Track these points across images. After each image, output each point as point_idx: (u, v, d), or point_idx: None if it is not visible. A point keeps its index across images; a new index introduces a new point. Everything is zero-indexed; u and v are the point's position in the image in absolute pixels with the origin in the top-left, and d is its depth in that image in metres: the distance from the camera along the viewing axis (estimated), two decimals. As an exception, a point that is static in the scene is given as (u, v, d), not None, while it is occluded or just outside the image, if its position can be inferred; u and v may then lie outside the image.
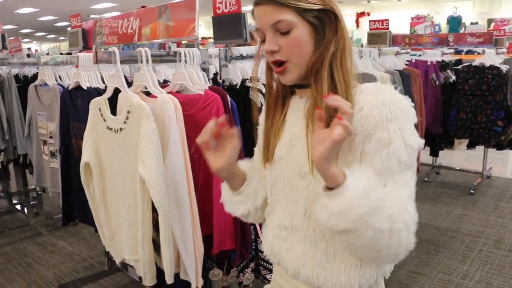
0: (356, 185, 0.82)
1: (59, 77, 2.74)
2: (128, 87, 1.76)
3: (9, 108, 3.22)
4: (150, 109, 1.61)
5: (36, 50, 18.43)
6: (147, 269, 1.75)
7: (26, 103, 2.86)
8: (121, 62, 1.77)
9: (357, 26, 15.47)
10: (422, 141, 0.92)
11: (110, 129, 1.75)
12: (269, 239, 1.12)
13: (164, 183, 1.60)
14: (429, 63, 4.15)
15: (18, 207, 4.52)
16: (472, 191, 4.61)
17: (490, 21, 11.97)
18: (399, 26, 11.67)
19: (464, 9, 12.88)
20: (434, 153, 4.80)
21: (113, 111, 1.79)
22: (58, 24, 18.39)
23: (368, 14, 15.24)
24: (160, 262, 1.74)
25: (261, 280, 2.12)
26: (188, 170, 1.72)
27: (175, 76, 1.88)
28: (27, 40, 25.05)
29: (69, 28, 2.97)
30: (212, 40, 11.38)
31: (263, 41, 0.98)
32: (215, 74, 2.17)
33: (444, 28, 11.83)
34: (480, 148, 4.71)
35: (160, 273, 1.78)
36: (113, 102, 1.80)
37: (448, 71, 4.32)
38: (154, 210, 1.68)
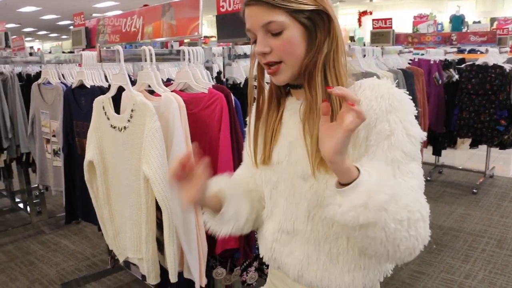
0: (370, 175, 0.80)
1: (62, 75, 2.74)
2: (132, 86, 1.76)
3: (12, 107, 3.23)
4: (154, 107, 1.61)
5: (39, 49, 18.45)
6: (151, 268, 1.75)
7: (29, 101, 2.86)
8: (125, 60, 1.77)
9: (359, 25, 15.46)
10: (424, 133, 0.92)
11: (114, 127, 1.75)
12: (268, 244, 1.10)
13: (168, 182, 1.60)
14: (432, 62, 4.14)
15: (21, 205, 4.53)
16: (474, 191, 4.60)
17: (493, 20, 11.94)
18: (402, 25, 11.64)
19: (467, 8, 12.85)
20: (436, 152, 4.79)
21: (117, 110, 1.80)
22: (60, 23, 18.42)
23: (371, 13, 15.22)
24: (164, 261, 1.75)
25: (265, 279, 2.11)
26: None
27: (179, 74, 1.88)
28: (29, 39, 25.09)
29: (72, 27, 2.98)
30: (214, 39, 11.39)
31: (254, 42, 0.96)
32: (219, 73, 2.17)
33: (447, 27, 11.81)
34: (482, 148, 4.70)
35: (163, 271, 1.79)
36: (116, 100, 1.80)
37: (451, 70, 4.32)
38: (158, 208, 1.68)
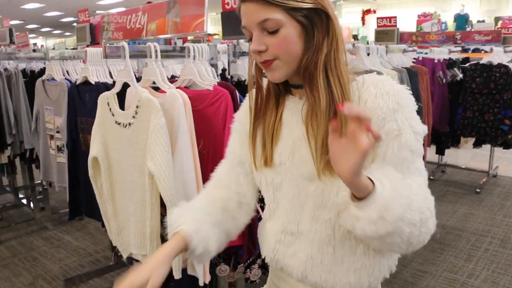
0: (384, 187, 0.81)
1: (67, 72, 2.75)
2: (136, 82, 1.76)
3: (16, 103, 3.23)
4: (159, 104, 1.61)
5: (42, 46, 18.47)
6: (155, 264, 1.75)
7: (33, 98, 2.87)
8: (130, 57, 1.77)
9: (363, 23, 15.42)
10: (426, 127, 0.92)
11: (119, 123, 1.75)
12: (270, 245, 1.08)
13: (172, 178, 1.60)
14: (436, 61, 4.14)
15: (24, 201, 4.54)
16: (478, 190, 4.59)
17: (497, 19, 11.90)
18: (405, 23, 11.61)
19: (471, 7, 12.80)
20: (440, 152, 4.78)
21: (121, 106, 1.80)
22: (64, 20, 18.43)
23: (374, 11, 15.18)
24: (168, 257, 1.74)
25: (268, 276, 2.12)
26: (197, 165, 1.72)
27: (184, 71, 1.88)
28: (33, 35, 25.11)
29: (75, 24, 2.98)
30: (217, 36, 11.39)
31: (250, 40, 0.93)
32: (223, 70, 2.17)
33: (451, 26, 11.77)
34: (486, 147, 4.68)
35: (167, 268, 1.78)
36: (121, 97, 1.80)
37: (455, 69, 4.30)
38: (162, 205, 1.68)
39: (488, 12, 13.27)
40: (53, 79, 2.70)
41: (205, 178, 1.78)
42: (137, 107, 1.66)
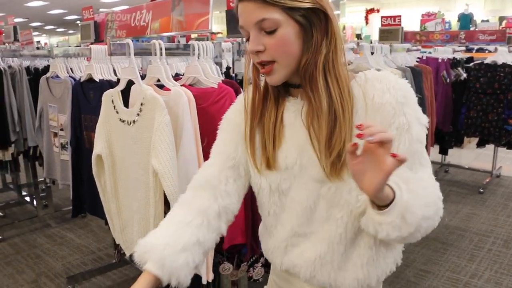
0: (401, 191, 0.82)
1: (71, 69, 2.75)
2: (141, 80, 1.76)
3: (20, 100, 3.24)
4: (163, 101, 1.60)
5: (46, 43, 18.51)
6: (158, 262, 1.75)
7: (37, 95, 2.87)
8: (134, 54, 1.76)
9: (367, 22, 15.41)
10: (426, 117, 0.94)
11: (123, 121, 1.75)
12: (277, 247, 1.06)
13: (177, 176, 1.60)
14: (440, 61, 4.12)
15: (27, 199, 4.55)
16: (481, 190, 4.57)
17: (501, 18, 11.86)
18: (409, 23, 11.58)
19: (475, 7, 12.78)
20: (443, 151, 4.76)
21: (126, 104, 1.79)
22: (68, 18, 18.46)
23: (378, 11, 15.16)
24: (171, 255, 1.74)
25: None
26: (201, 163, 1.71)
27: (189, 69, 1.87)
28: (37, 33, 25.16)
29: (78, 22, 2.98)
30: (221, 35, 11.39)
31: (248, 39, 0.92)
32: (228, 68, 2.17)
33: (455, 26, 11.74)
34: (489, 147, 4.67)
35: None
36: (125, 94, 1.80)
37: (459, 68, 4.29)
38: (166, 203, 1.68)
39: (492, 11, 13.25)
40: (57, 76, 2.70)
41: (209, 176, 1.78)
42: (141, 104, 1.66)
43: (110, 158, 1.86)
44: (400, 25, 3.80)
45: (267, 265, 2.09)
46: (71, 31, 24.58)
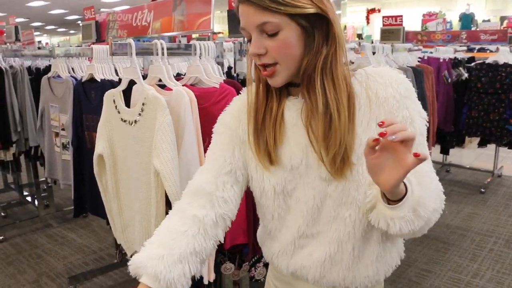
0: (411, 185, 0.83)
1: (72, 69, 2.75)
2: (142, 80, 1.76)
3: (22, 100, 3.24)
4: (165, 101, 1.60)
5: (47, 43, 18.52)
6: (160, 262, 1.75)
7: (39, 95, 2.87)
8: (136, 54, 1.76)
9: (368, 22, 15.40)
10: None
11: (125, 121, 1.75)
12: (283, 250, 1.05)
13: (178, 176, 1.60)
14: (441, 60, 4.11)
15: (29, 199, 4.56)
16: (482, 190, 4.57)
17: (503, 18, 11.85)
18: (410, 23, 11.58)
19: (476, 7, 12.76)
20: (444, 151, 4.76)
21: (127, 104, 1.79)
22: (69, 18, 18.47)
23: (379, 10, 15.16)
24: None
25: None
26: (202, 163, 1.71)
27: (190, 69, 1.87)
28: (38, 33, 25.18)
29: (79, 22, 2.98)
30: (222, 35, 11.38)
31: (249, 41, 0.91)
32: (229, 68, 2.17)
33: (456, 25, 11.73)
34: (490, 147, 4.66)
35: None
36: (127, 94, 1.80)
37: (461, 68, 4.28)
38: (167, 203, 1.68)
39: (494, 11, 13.23)
40: (58, 76, 2.70)
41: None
42: (143, 104, 1.66)
43: (112, 158, 1.86)
44: (401, 25, 3.80)
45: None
46: (72, 31, 24.60)
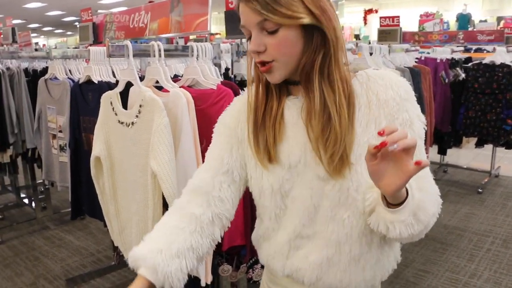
0: (412, 189, 0.83)
1: (69, 71, 2.74)
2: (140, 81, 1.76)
3: (19, 102, 3.23)
4: (162, 103, 1.60)
5: (44, 45, 18.49)
6: (157, 264, 1.74)
7: (36, 97, 2.86)
8: (133, 56, 1.76)
9: (365, 23, 15.42)
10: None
11: (122, 123, 1.74)
12: (278, 251, 1.04)
13: (175, 178, 1.59)
14: (438, 61, 4.12)
15: (26, 201, 4.54)
16: (480, 190, 4.58)
17: (499, 18, 11.89)
18: (407, 23, 11.60)
19: (473, 7, 12.79)
20: (442, 151, 4.77)
21: (124, 105, 1.79)
22: (66, 19, 18.45)
23: (376, 11, 15.18)
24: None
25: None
26: (200, 165, 1.71)
27: (187, 70, 1.87)
28: (35, 35, 25.15)
29: (77, 23, 2.98)
30: (219, 36, 11.38)
31: (249, 39, 0.91)
32: (227, 69, 2.16)
33: (453, 26, 11.76)
34: (488, 147, 4.67)
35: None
36: (124, 96, 1.80)
37: (458, 68, 4.29)
38: (164, 205, 1.67)
39: (490, 11, 13.27)
40: (55, 78, 2.70)
41: (208, 177, 1.77)
42: (140, 106, 1.66)
43: (109, 160, 1.85)
44: (398, 25, 3.80)
45: (266, 267, 2.09)
46: (69, 33, 24.57)
